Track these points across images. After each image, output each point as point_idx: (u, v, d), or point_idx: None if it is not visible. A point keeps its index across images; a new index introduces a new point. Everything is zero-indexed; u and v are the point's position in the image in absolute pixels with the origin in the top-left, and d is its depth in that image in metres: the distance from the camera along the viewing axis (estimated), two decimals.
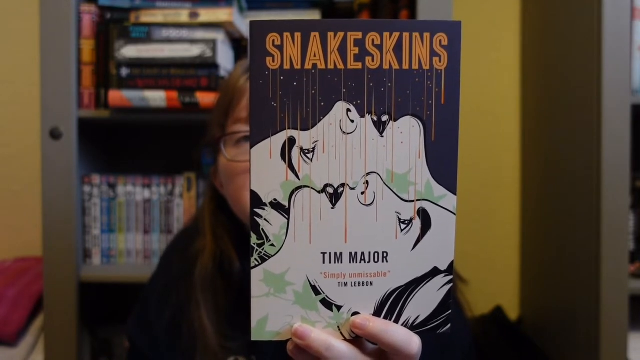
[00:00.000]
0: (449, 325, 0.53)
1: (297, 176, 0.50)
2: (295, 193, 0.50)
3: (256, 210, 0.50)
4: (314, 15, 1.23)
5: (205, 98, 1.11)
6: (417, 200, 0.51)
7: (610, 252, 1.05)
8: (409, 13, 1.15)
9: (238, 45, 1.22)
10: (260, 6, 1.23)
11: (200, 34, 1.14)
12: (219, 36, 1.14)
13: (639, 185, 1.13)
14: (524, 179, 1.48)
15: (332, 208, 0.50)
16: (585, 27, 1.10)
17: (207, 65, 1.11)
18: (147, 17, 1.16)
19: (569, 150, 1.19)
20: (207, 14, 1.15)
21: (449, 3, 1.10)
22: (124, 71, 1.12)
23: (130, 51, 1.12)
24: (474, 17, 1.48)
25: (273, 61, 0.48)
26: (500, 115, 1.50)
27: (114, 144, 1.42)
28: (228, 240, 0.87)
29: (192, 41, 1.11)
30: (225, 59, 1.15)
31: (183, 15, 1.15)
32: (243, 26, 1.19)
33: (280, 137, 0.49)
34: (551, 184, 1.30)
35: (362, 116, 0.49)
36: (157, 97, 1.11)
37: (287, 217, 0.50)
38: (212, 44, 1.11)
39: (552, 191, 1.29)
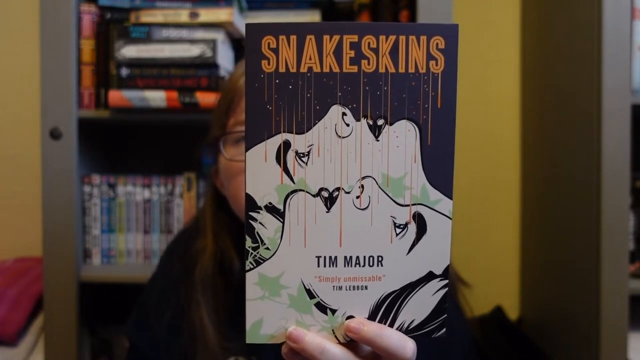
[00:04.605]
0: (444, 330, 0.53)
1: (292, 180, 0.49)
2: (290, 197, 0.50)
3: (251, 213, 0.50)
4: (314, 15, 1.22)
5: (205, 98, 1.11)
6: (413, 204, 0.51)
7: (610, 252, 1.05)
8: (409, 13, 1.15)
9: (238, 45, 1.22)
10: (260, 6, 1.23)
11: (200, 34, 1.14)
12: (219, 36, 1.14)
13: (639, 185, 1.13)
14: (524, 179, 1.48)
15: (327, 212, 0.50)
16: (585, 27, 1.10)
17: (207, 65, 1.11)
18: (147, 17, 1.16)
19: (569, 150, 1.19)
20: (207, 14, 1.15)
21: (449, 3, 1.10)
22: (124, 71, 1.12)
23: (130, 51, 1.12)
24: (474, 17, 1.48)
25: (268, 64, 0.48)
26: (500, 116, 1.49)
27: (114, 144, 1.42)
28: (229, 240, 0.87)
29: (192, 41, 1.11)
30: (225, 59, 1.15)
31: (183, 15, 1.15)
32: (243, 26, 1.19)
33: (276, 141, 0.49)
34: (551, 184, 1.30)
35: (358, 120, 0.49)
36: (157, 97, 1.11)
37: (282, 220, 0.50)
38: (212, 44, 1.11)
39: (552, 191, 1.29)
